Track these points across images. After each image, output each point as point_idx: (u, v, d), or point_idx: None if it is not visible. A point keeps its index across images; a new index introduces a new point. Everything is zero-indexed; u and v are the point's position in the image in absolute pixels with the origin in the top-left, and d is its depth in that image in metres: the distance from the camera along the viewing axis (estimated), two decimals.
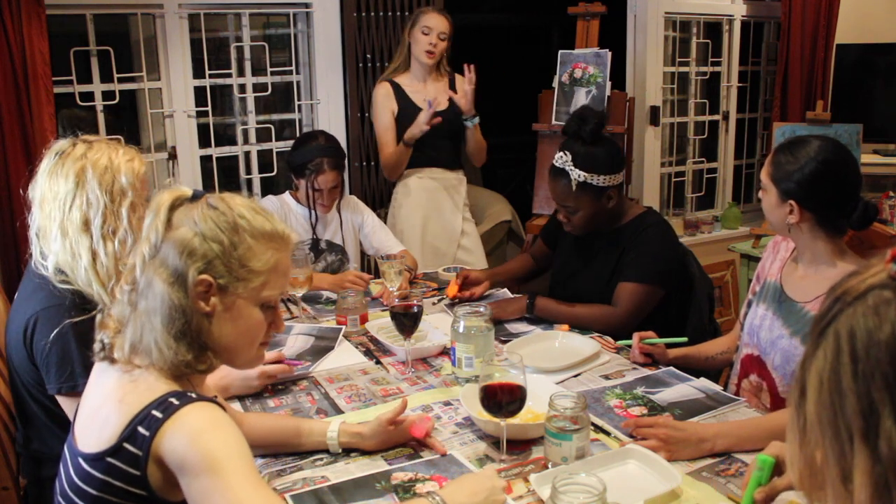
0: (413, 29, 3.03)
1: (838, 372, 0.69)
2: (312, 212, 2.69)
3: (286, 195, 2.77)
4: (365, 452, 1.53)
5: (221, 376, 1.72)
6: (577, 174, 2.14)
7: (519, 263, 2.66)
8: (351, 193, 3.54)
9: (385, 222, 3.12)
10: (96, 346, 1.20)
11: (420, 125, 2.92)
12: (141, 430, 1.09)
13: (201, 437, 1.08)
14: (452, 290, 2.39)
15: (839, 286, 0.74)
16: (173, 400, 1.11)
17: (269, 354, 1.85)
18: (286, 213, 2.71)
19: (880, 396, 0.66)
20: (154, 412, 1.10)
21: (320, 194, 2.64)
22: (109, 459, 1.10)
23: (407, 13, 3.44)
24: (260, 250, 1.19)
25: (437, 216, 3.16)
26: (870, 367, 0.67)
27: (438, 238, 3.18)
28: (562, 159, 2.17)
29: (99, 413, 1.15)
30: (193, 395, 1.13)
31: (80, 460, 1.14)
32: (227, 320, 1.19)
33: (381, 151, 3.11)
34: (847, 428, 0.69)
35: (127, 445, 1.09)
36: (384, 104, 3.07)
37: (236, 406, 1.75)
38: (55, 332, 1.59)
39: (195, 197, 1.20)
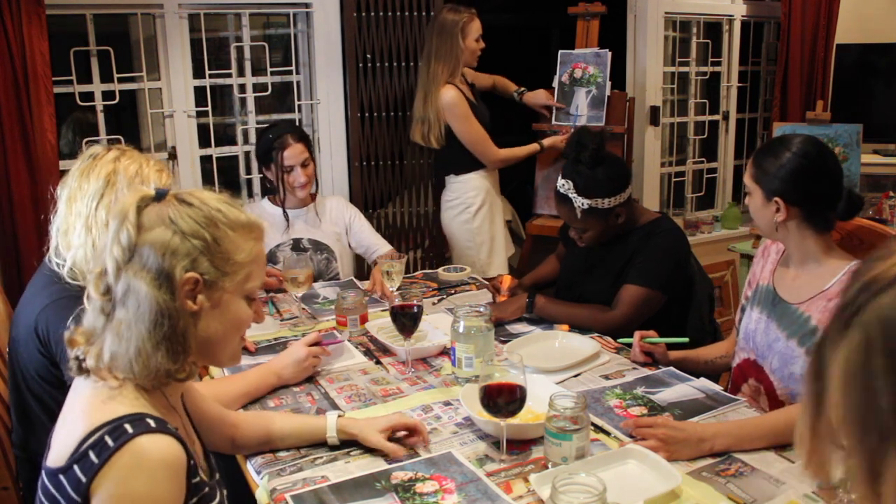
0: (466, 39, 3.11)
1: (869, 366, 0.66)
2: (283, 201, 2.74)
3: (263, 200, 2.87)
4: (365, 452, 1.53)
5: (282, 366, 1.83)
6: (580, 202, 2.13)
7: (550, 268, 2.64)
8: (351, 193, 3.54)
9: (443, 230, 3.30)
10: (72, 364, 1.15)
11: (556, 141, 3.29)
12: (92, 455, 1.04)
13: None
14: (505, 282, 2.47)
15: (865, 271, 0.70)
16: (127, 426, 1.06)
17: (308, 337, 1.92)
18: (261, 216, 2.75)
19: None
20: (107, 438, 1.04)
21: (292, 174, 2.66)
22: (61, 477, 1.06)
23: (407, 13, 3.45)
24: (241, 242, 1.18)
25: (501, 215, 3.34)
26: None
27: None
28: (564, 187, 2.16)
29: (65, 426, 1.12)
30: (152, 423, 1.08)
31: (43, 475, 1.10)
32: (214, 317, 1.17)
33: (486, 146, 3.17)
34: (880, 427, 0.65)
35: (76, 468, 1.04)
36: (468, 105, 3.16)
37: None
38: (72, 318, 1.60)
39: (160, 196, 1.16)
